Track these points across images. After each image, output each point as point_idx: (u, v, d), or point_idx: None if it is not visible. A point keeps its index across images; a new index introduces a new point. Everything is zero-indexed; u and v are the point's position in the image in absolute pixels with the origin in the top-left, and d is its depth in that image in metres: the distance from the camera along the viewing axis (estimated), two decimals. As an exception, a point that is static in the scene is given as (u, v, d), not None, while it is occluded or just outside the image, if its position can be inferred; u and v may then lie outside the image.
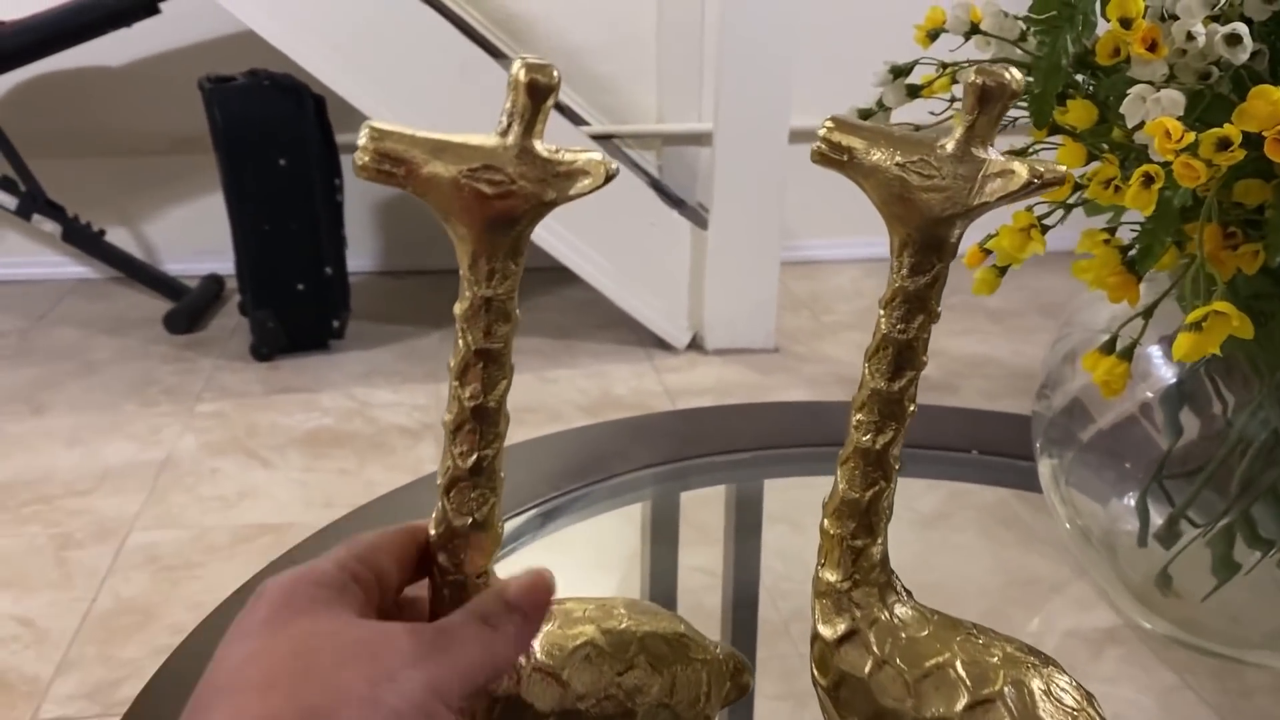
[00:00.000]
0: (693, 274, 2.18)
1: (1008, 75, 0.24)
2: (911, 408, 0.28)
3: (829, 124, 0.26)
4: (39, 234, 2.40)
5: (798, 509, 0.81)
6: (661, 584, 0.77)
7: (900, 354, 0.27)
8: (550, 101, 0.29)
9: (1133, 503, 0.55)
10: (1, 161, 2.22)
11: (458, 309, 0.31)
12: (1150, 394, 0.53)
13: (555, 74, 0.28)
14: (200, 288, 2.34)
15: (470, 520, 0.32)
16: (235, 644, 0.28)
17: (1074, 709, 0.27)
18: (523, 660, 0.32)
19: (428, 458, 1.70)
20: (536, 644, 0.33)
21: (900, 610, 0.29)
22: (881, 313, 0.27)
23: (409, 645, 0.28)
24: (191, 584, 1.37)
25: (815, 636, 0.29)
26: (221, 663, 0.28)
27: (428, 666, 0.28)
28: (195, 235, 2.52)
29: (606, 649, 0.33)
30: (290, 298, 2.04)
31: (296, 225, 2.00)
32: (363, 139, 0.29)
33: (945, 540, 0.92)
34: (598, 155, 0.30)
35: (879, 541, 0.29)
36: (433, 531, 0.33)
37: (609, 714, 0.33)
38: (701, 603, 0.83)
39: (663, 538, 0.78)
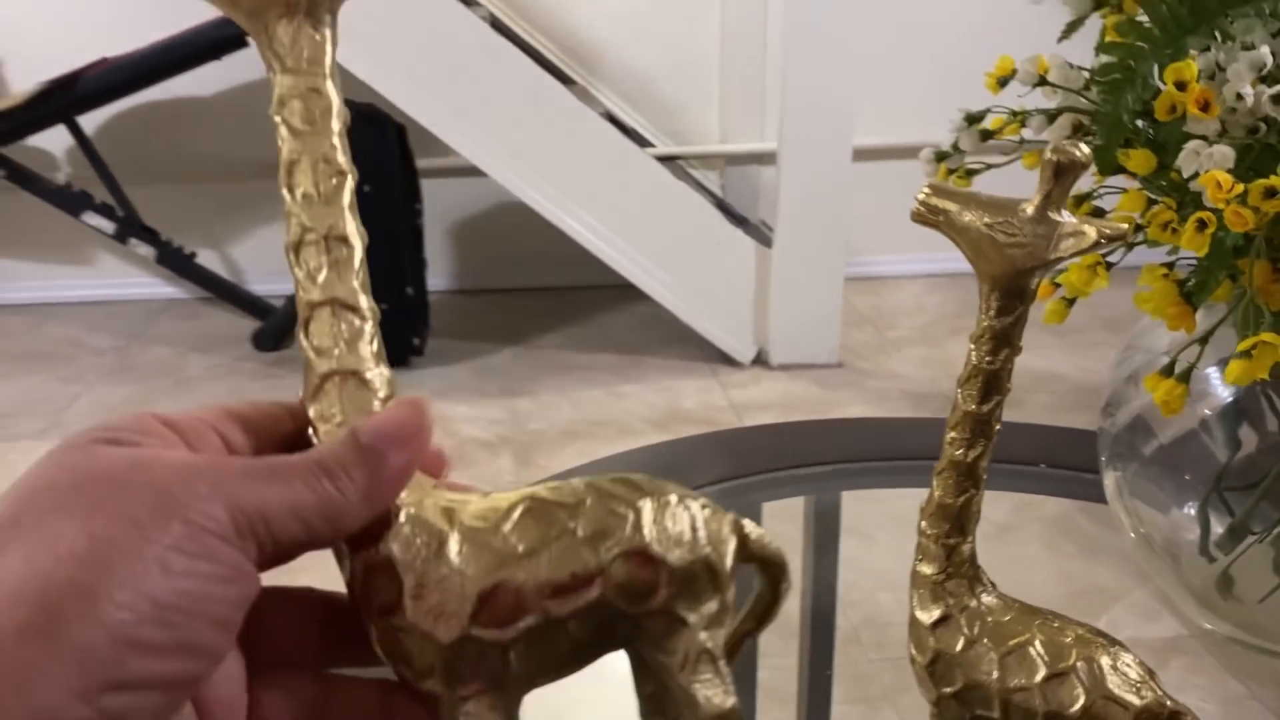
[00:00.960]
0: (757, 290, 2.23)
1: (1078, 152, 0.30)
2: (998, 426, 0.34)
3: (927, 190, 0.32)
4: (132, 256, 2.52)
5: (866, 522, 0.86)
6: (742, 591, 0.82)
7: (988, 382, 0.33)
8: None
9: (1193, 512, 0.60)
10: (100, 187, 2.35)
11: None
12: (1209, 411, 0.58)
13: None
14: (285, 307, 2.44)
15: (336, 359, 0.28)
16: (24, 479, 0.25)
17: (1138, 681, 0.32)
18: (446, 528, 0.26)
19: (506, 469, 1.77)
20: (462, 512, 0.26)
21: (986, 599, 0.35)
22: (972, 347, 0.33)
23: (185, 479, 0.24)
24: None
25: (913, 621, 0.35)
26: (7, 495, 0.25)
27: (208, 506, 0.24)
28: (280, 257, 2.61)
29: (549, 498, 0.26)
30: (372, 317, 2.13)
31: (380, 248, 2.06)
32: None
33: (1011, 552, 0.96)
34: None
35: (969, 540, 0.35)
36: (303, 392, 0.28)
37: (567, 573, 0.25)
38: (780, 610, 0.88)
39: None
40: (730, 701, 0.26)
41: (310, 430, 0.28)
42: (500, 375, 2.17)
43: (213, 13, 2.21)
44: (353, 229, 0.29)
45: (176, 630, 0.23)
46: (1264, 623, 0.59)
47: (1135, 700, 0.31)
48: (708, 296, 2.22)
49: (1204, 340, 0.48)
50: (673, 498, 0.27)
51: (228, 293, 2.45)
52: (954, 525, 0.34)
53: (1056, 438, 0.82)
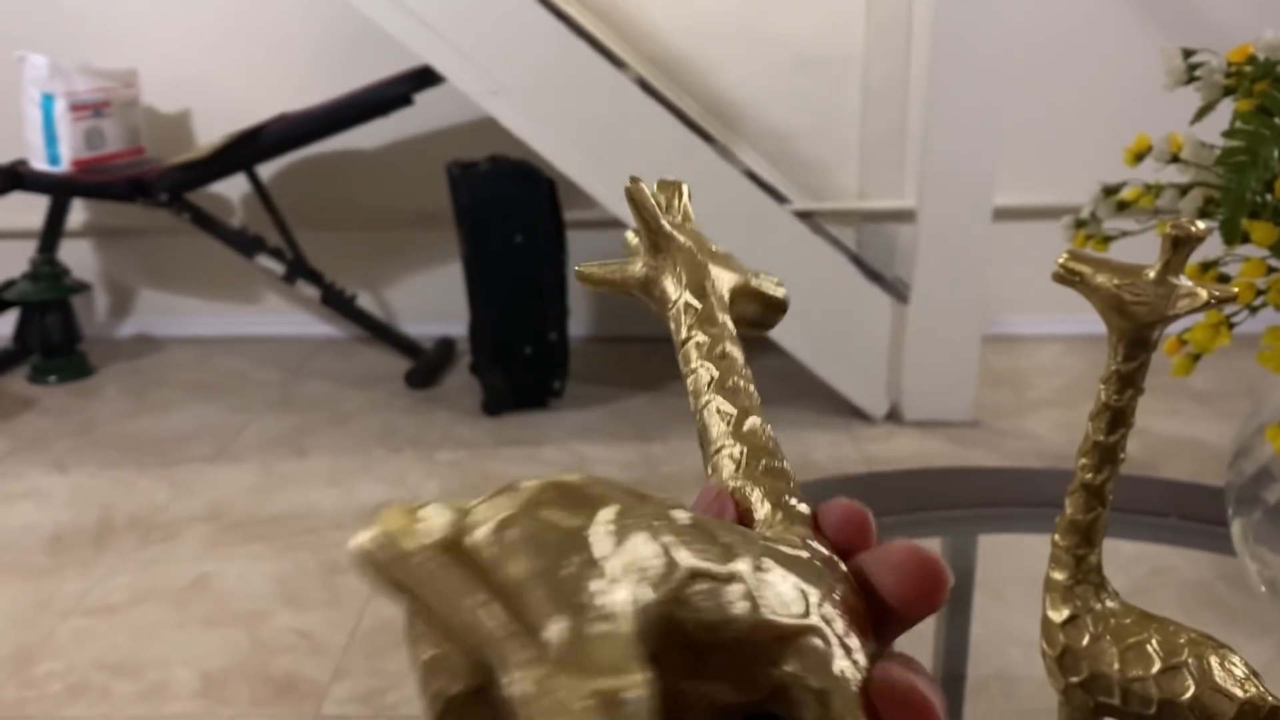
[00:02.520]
0: (892, 347, 2.27)
1: (1193, 228, 0.36)
2: (1122, 455, 0.39)
3: (1066, 255, 0.38)
4: (294, 295, 2.70)
5: (997, 578, 0.89)
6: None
7: (1115, 416, 0.39)
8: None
9: (1319, 561, 0.63)
10: (272, 231, 2.54)
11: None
12: (1334, 465, 0.61)
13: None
14: (436, 348, 2.58)
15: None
16: None
17: (1243, 678, 0.37)
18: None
19: (642, 510, 1.84)
20: None
21: (1110, 603, 0.40)
22: (1102, 387, 0.39)
23: None
24: (440, 611, 1.54)
25: (1045, 620, 0.41)
26: None
27: None
28: (431, 302, 2.78)
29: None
30: (518, 360, 2.25)
31: (527, 296, 2.21)
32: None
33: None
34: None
35: (1095, 552, 0.40)
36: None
37: None
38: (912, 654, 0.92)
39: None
40: None
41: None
42: (634, 420, 2.25)
43: (383, 71, 2.37)
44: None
45: None
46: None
47: (1239, 693, 0.37)
48: (842, 351, 2.27)
49: (1323, 396, 0.52)
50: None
51: (383, 333, 2.60)
52: (1082, 538, 0.40)
53: (1189, 492, 0.85)
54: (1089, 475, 0.40)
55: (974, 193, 2.15)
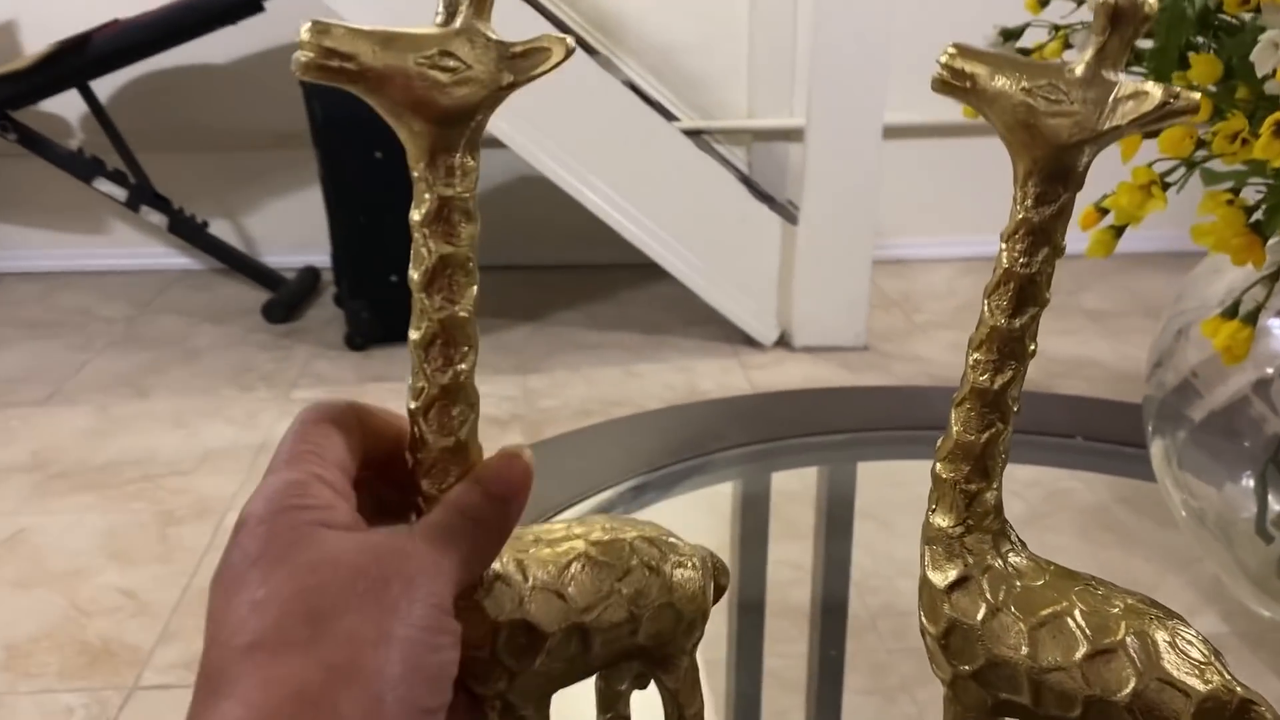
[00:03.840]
0: (782, 271, 2.16)
1: (1144, -4, 0.23)
2: (1032, 347, 0.28)
3: (951, 50, 0.26)
4: (146, 225, 2.48)
5: (886, 506, 0.80)
6: (750, 575, 0.77)
7: (1023, 289, 0.27)
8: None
9: (1250, 485, 0.53)
10: (113, 154, 2.31)
11: (415, 215, 0.29)
12: (1270, 369, 0.51)
13: None
14: (297, 279, 2.40)
15: (453, 440, 0.30)
16: (234, 592, 0.26)
17: (1201, 662, 0.26)
18: (522, 579, 0.31)
19: (516, 447, 1.72)
20: (531, 564, 0.32)
21: (1014, 559, 0.28)
22: (1003, 246, 0.27)
23: (405, 563, 0.27)
24: (286, 563, 1.40)
25: (924, 583, 0.29)
26: (225, 617, 0.26)
27: (427, 584, 0.27)
28: (293, 229, 2.59)
29: (600, 558, 0.33)
30: (384, 289, 2.08)
31: (392, 218, 2.03)
32: (306, 35, 0.27)
33: (1043, 541, 0.90)
34: (555, 34, 0.29)
35: (994, 486, 0.29)
36: (410, 458, 0.31)
37: (615, 622, 0.33)
38: (788, 596, 0.82)
39: (752, 520, 0.78)
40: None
41: (419, 477, 0.31)
42: (515, 352, 2.11)
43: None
44: (474, 332, 0.31)
45: (442, 695, 0.27)
46: (1328, 611, 0.53)
47: (1198, 685, 0.25)
48: (731, 275, 2.16)
49: (1275, 277, 0.41)
50: (687, 562, 0.35)
51: (240, 264, 2.41)
52: (975, 468, 0.28)
53: (1095, 410, 0.75)
54: (984, 377, 0.28)
55: (863, 110, 2.05)
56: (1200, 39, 0.46)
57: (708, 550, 0.36)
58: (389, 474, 0.31)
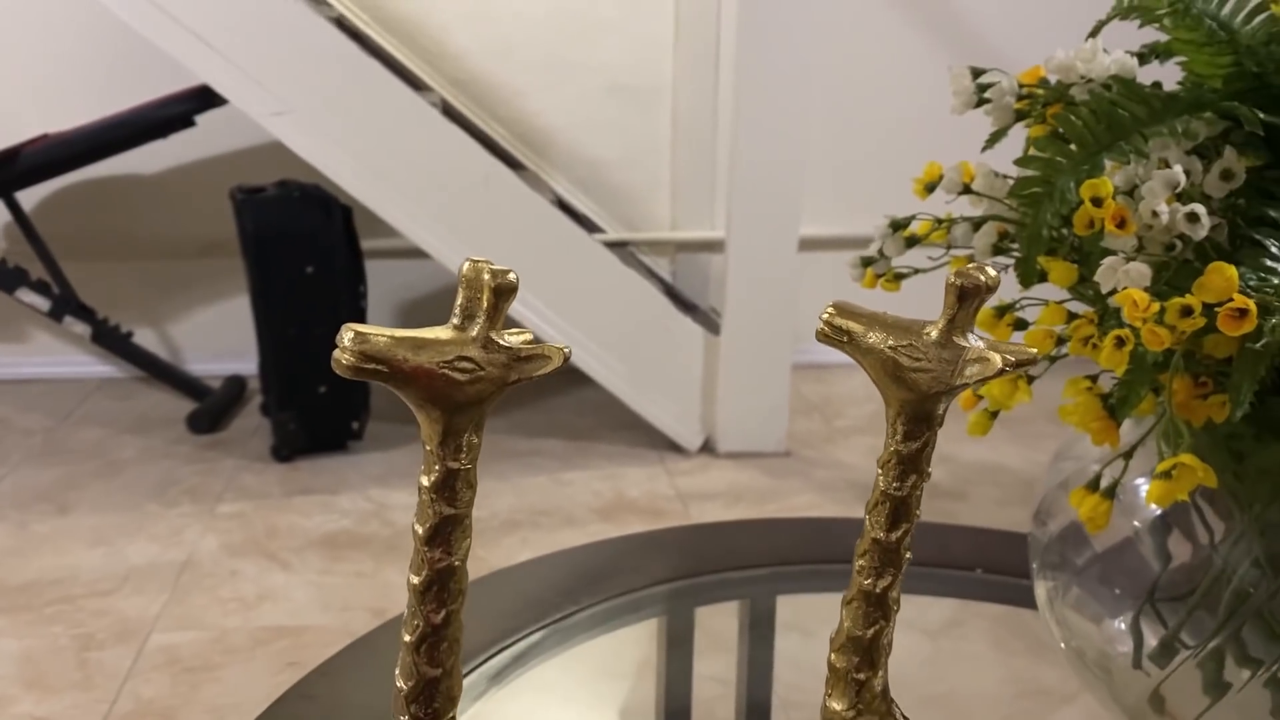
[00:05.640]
0: (705, 378, 2.22)
1: (982, 277, 0.29)
2: (908, 555, 0.32)
3: (830, 310, 0.31)
4: (67, 334, 2.46)
5: (809, 619, 0.84)
6: (676, 694, 0.80)
7: (896, 509, 0.31)
8: (510, 301, 0.33)
9: (1126, 625, 0.58)
10: (36, 263, 2.30)
11: (424, 481, 0.35)
12: (1138, 523, 0.57)
13: (514, 277, 0.33)
14: (223, 389, 2.39)
15: (440, 671, 0.35)
16: None
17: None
18: None
19: (444, 560, 1.72)
20: None
21: (900, 738, 0.33)
22: (879, 472, 0.31)
23: None
24: (211, 686, 1.38)
25: (822, 763, 0.33)
26: None
27: None
28: (219, 337, 2.59)
29: None
30: (313, 400, 2.09)
31: (321, 330, 2.06)
32: (347, 341, 0.32)
33: (956, 650, 0.94)
34: (556, 344, 0.35)
35: (880, 674, 0.33)
36: (403, 685, 0.35)
37: None
38: (714, 712, 0.85)
39: (677, 650, 0.81)
40: None
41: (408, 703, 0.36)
42: (443, 461, 2.13)
43: (157, 90, 2.20)
44: (465, 577, 0.36)
45: None
46: (1197, 743, 0.58)
47: None
48: (656, 383, 2.21)
49: (1127, 456, 0.47)
50: None
51: (164, 373, 2.40)
52: (864, 659, 0.32)
53: (994, 541, 0.80)
54: (868, 581, 0.32)
55: (780, 223, 2.14)
56: (1065, 231, 0.53)
57: None
58: None
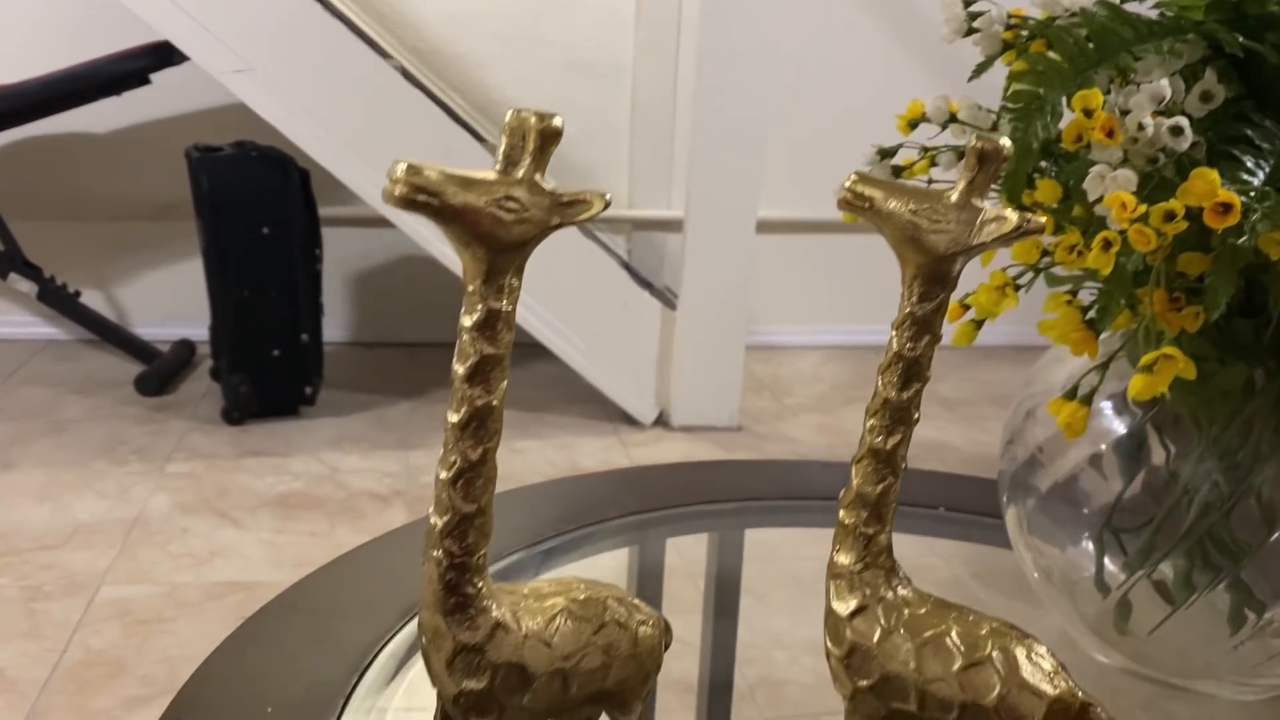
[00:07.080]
0: (661, 353, 2.24)
1: (1002, 142, 0.30)
2: (916, 415, 0.34)
3: (854, 177, 0.32)
4: (11, 293, 2.41)
5: (763, 581, 0.86)
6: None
7: (909, 368, 0.33)
8: (555, 145, 0.35)
9: (1089, 546, 0.61)
10: (-19, 221, 2.25)
11: (466, 321, 0.36)
12: (1102, 446, 0.59)
13: (559, 121, 0.35)
14: (172, 352, 2.36)
15: (476, 506, 0.37)
16: None
17: (1051, 672, 0.32)
18: (517, 628, 0.38)
19: (398, 521, 1.72)
20: (524, 615, 0.39)
21: (902, 591, 0.34)
22: (893, 334, 0.33)
23: None
24: (163, 638, 1.37)
25: (829, 613, 0.34)
26: None
27: None
28: (168, 302, 2.55)
29: (579, 613, 0.40)
30: (265, 363, 2.07)
31: (275, 293, 2.04)
32: (399, 173, 0.33)
33: (920, 581, 0.97)
34: (598, 189, 0.36)
35: (886, 530, 0.35)
36: (438, 520, 0.37)
37: (590, 669, 0.39)
38: (670, 668, 0.87)
39: (647, 583, 0.83)
40: None
41: (441, 539, 0.40)
42: (395, 428, 2.12)
43: (114, 45, 2.17)
44: (501, 417, 0.39)
45: None
46: (1153, 653, 0.60)
47: (1049, 690, 0.31)
48: (612, 356, 2.22)
49: (1105, 366, 0.49)
50: (649, 620, 0.42)
51: (111, 334, 2.36)
52: (872, 514, 0.34)
53: (957, 484, 0.83)
54: (879, 438, 0.34)
55: (738, 205, 2.16)
56: (1045, 164, 0.55)
57: (658, 613, 0.43)
58: None
